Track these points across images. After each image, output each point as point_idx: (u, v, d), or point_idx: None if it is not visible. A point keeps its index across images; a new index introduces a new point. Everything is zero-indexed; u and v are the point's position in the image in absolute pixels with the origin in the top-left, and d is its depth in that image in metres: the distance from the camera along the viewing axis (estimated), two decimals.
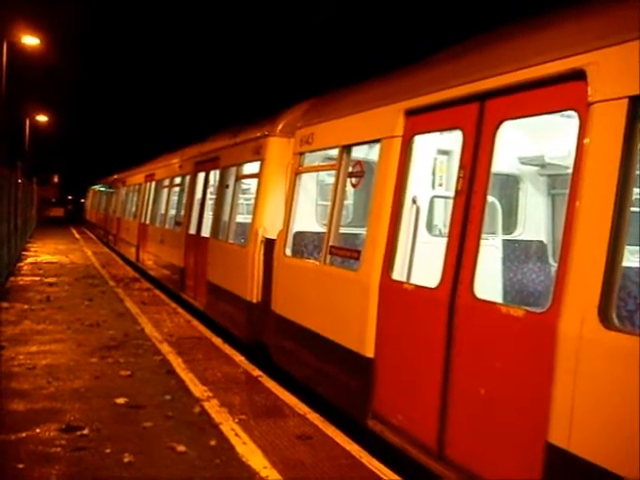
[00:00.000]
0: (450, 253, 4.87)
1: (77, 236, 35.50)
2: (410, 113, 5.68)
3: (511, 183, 6.78)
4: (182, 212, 14.29)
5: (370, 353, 5.77)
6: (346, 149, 6.80)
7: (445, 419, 4.78)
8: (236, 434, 5.69)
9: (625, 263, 3.88)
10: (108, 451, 5.15)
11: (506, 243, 6.45)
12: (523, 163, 6.51)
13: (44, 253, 22.75)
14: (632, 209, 3.70)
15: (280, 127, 9.30)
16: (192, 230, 12.96)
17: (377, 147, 6.16)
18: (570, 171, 3.99)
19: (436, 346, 4.87)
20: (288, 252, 7.83)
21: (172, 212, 15.94)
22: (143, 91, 71.61)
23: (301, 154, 7.90)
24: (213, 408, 6.38)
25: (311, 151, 7.72)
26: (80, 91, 71.73)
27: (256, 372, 7.85)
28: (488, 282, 5.09)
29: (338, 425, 6.05)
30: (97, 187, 41.86)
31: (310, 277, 7.27)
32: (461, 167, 4.96)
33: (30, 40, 29.32)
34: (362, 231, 6.76)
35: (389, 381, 5.58)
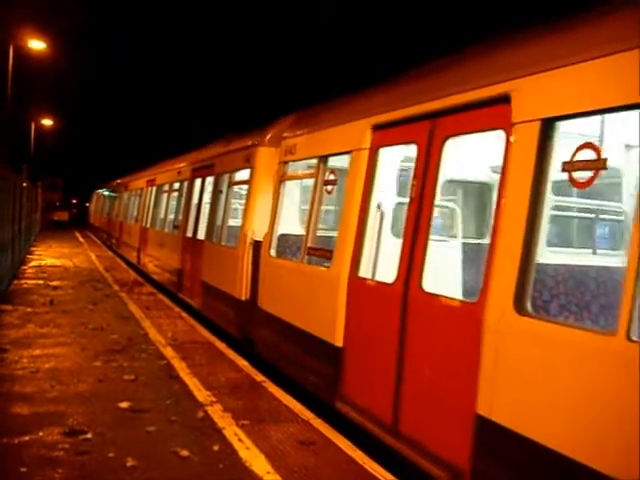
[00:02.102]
0: (404, 253, 5.56)
1: (81, 240, 35.57)
2: (376, 128, 6.36)
3: (484, 191, 7.24)
4: (180, 216, 14.94)
5: (339, 342, 6.47)
6: (323, 159, 7.52)
7: (399, 398, 5.44)
8: (239, 439, 5.68)
9: (544, 260, 4.70)
10: (111, 455, 5.13)
11: (465, 245, 6.98)
12: (495, 172, 6.80)
13: (48, 257, 22.78)
14: (552, 213, 4.44)
15: (268, 138, 9.92)
16: (189, 233, 13.63)
17: (348, 158, 6.82)
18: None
19: (392, 334, 5.54)
20: (273, 253, 8.58)
21: (171, 216, 16.58)
22: (148, 95, 71.76)
23: (285, 163, 8.64)
24: (216, 413, 6.37)
25: (294, 160, 8.43)
26: (85, 95, 71.88)
27: (260, 377, 7.84)
28: (437, 278, 5.54)
29: (342, 431, 6.03)
30: (101, 191, 42.11)
31: (290, 275, 8.04)
32: (414, 177, 5.65)
33: (36, 44, 29.42)
34: (336, 233, 7.25)
35: (355, 367, 6.26)
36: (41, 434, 5.49)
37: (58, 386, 6.94)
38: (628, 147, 4.37)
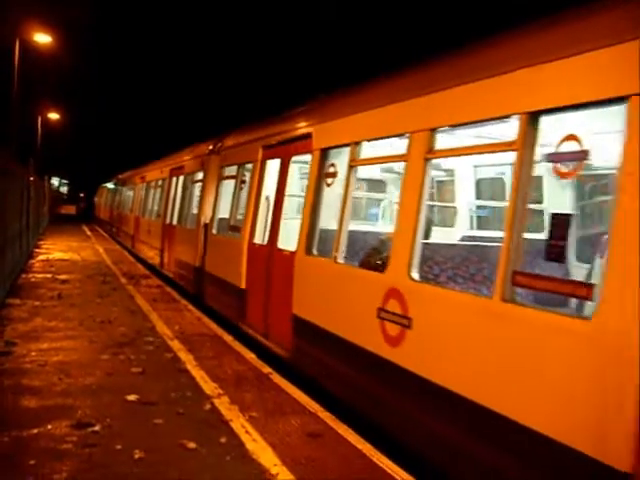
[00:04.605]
0: (272, 227, 9.21)
1: (88, 233, 35.66)
2: (264, 148, 10.02)
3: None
4: (161, 207, 18.73)
5: (243, 285, 10.08)
6: (240, 165, 11.28)
7: (267, 314, 9.04)
8: (246, 431, 5.69)
9: (322, 227, 7.79)
10: (119, 447, 5.16)
11: (298, 221, 9.63)
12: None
13: (56, 250, 22.84)
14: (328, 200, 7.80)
15: (216, 147, 13.23)
16: (167, 220, 17.32)
17: (251, 166, 10.54)
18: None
19: (264, 275, 9.18)
20: (214, 231, 12.34)
21: (155, 207, 20.24)
22: (155, 88, 71.58)
23: (222, 167, 12.42)
24: (224, 405, 6.39)
25: (227, 165, 12.15)
26: (92, 89, 71.72)
27: (266, 369, 7.86)
28: (286, 241, 8.75)
29: (350, 423, 6.04)
30: (106, 185, 42.61)
31: (221, 245, 11.95)
32: (279, 180, 9.30)
33: (42, 38, 29.44)
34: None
35: (251, 300, 9.80)
36: (49, 427, 5.52)
37: (66, 379, 6.97)
38: (350, 166, 7.08)
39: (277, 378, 7.51)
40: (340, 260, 6.96)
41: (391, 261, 5.88)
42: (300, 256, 7.84)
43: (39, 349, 8.20)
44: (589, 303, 4.03)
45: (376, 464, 5.15)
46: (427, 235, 6.67)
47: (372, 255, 7.01)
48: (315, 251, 7.67)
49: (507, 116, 4.84)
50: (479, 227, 8.79)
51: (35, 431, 5.41)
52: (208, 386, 7.01)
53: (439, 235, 7.92)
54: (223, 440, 5.45)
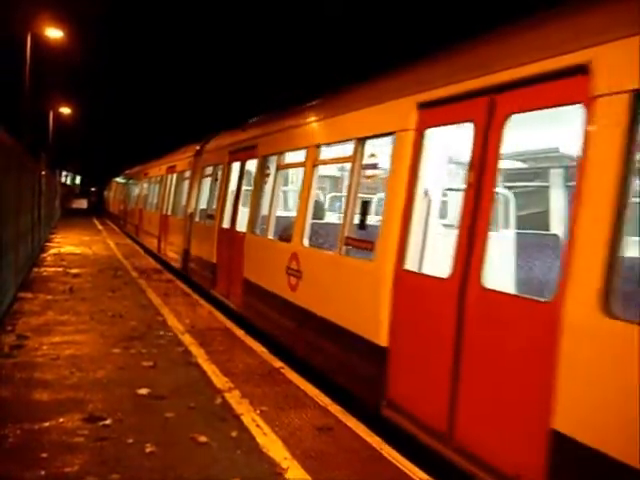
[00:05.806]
0: (232, 214, 11.83)
1: (100, 227, 35.79)
2: (230, 152, 12.63)
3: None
4: (159, 200, 21.79)
5: (214, 261, 12.61)
6: (215, 166, 13.96)
7: (229, 281, 11.52)
8: (257, 425, 5.70)
9: (264, 213, 10.37)
10: (130, 441, 5.17)
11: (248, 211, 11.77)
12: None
13: (67, 244, 22.94)
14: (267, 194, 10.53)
15: (201, 149, 15.85)
16: (164, 211, 20.27)
17: (221, 167, 13.24)
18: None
19: (228, 251, 11.72)
20: (196, 219, 15.11)
21: (155, 200, 23.25)
22: (164, 81, 71.55)
23: (203, 167, 15.26)
24: (234, 399, 6.40)
25: (207, 165, 14.92)
26: (103, 83, 71.81)
27: (277, 363, 7.86)
28: (241, 224, 11.21)
29: (359, 417, 6.03)
30: (116, 179, 43.41)
31: (200, 230, 14.49)
32: (239, 178, 11.90)
33: (54, 33, 29.51)
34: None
35: (220, 273, 12.27)
36: (61, 420, 5.54)
37: (78, 373, 7.00)
38: (276, 169, 10.04)
39: (288, 372, 7.51)
40: (269, 236, 9.69)
41: (294, 235, 8.54)
42: (248, 235, 10.64)
43: (51, 343, 8.24)
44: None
45: (385, 457, 5.15)
46: (317, 217, 9.64)
47: (286, 231, 9.41)
48: (257, 231, 10.48)
49: (350, 139, 7.39)
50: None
51: (47, 424, 5.44)
52: (219, 380, 7.03)
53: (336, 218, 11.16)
54: (234, 434, 5.46)
